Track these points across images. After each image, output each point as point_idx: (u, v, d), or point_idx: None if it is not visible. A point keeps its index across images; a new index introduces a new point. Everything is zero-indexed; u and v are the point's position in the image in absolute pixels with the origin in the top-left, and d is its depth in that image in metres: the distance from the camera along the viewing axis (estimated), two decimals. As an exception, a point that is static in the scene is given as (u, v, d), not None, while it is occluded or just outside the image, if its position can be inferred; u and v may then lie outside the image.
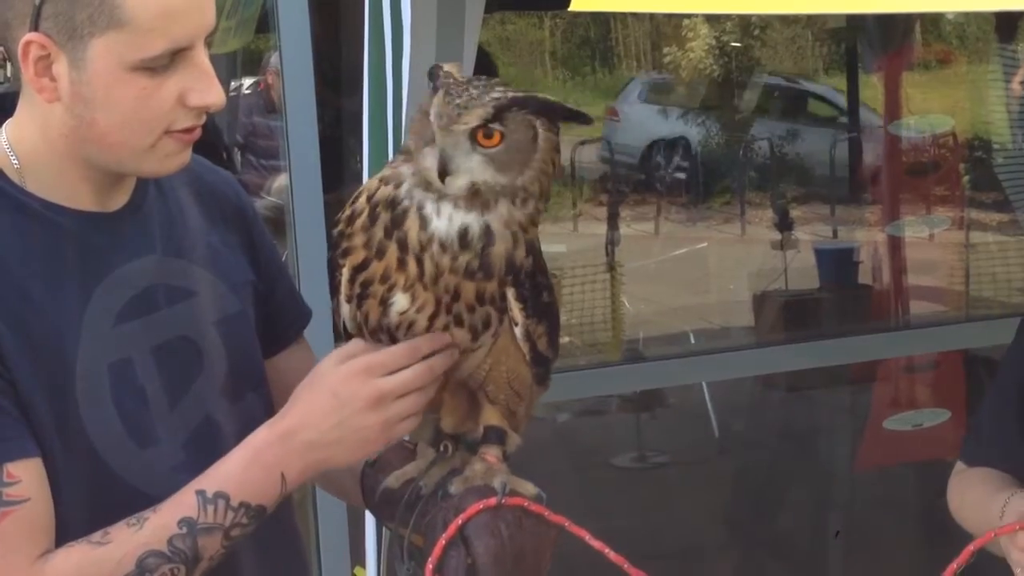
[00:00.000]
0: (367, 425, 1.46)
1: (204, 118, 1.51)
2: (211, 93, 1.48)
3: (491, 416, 1.53)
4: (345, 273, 1.47)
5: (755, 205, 7.79)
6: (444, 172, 1.41)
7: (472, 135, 1.40)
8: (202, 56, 1.48)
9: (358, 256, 1.45)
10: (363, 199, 1.46)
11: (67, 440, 1.45)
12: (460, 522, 1.43)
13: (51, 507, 1.44)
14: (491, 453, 1.52)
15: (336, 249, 1.48)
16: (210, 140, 1.63)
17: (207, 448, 1.53)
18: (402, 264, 1.43)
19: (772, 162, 7.60)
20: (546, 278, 1.50)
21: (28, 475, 1.42)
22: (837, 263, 5.58)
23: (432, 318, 1.45)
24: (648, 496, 5.19)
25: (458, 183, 1.41)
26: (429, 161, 1.42)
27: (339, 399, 1.46)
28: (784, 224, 6.12)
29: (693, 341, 5.72)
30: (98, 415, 1.47)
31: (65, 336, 1.46)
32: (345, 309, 1.50)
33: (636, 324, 5.78)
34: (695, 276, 7.05)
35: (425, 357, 1.46)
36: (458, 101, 1.40)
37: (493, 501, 1.45)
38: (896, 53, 4.92)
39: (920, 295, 4.99)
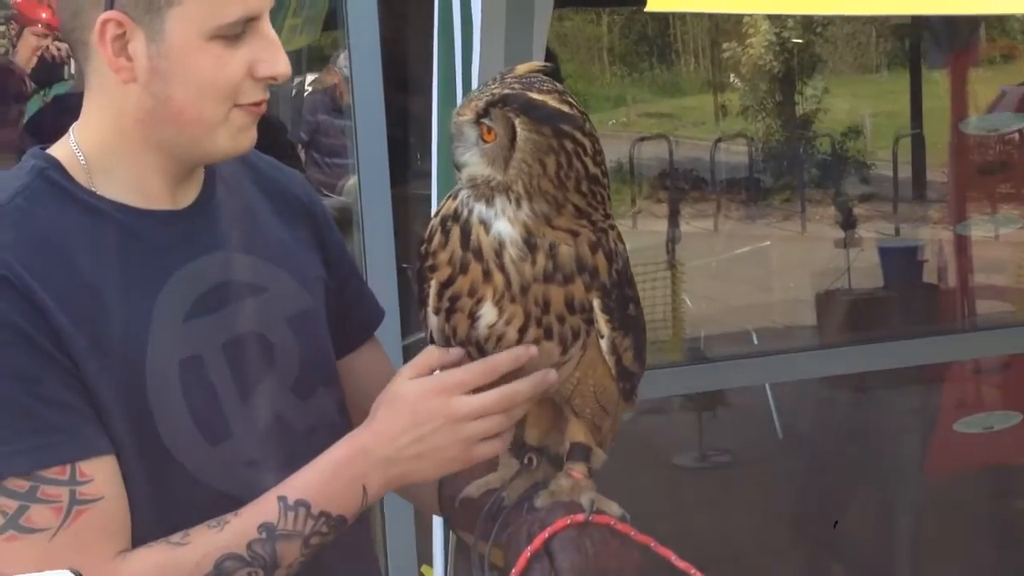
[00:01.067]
0: (446, 444, 1.45)
1: (268, 93, 1.52)
2: (279, 63, 1.49)
3: (577, 432, 1.51)
4: (433, 287, 1.46)
5: (815, 202, 7.72)
6: (457, 165, 1.44)
7: (480, 131, 1.42)
8: (269, 27, 1.49)
9: (444, 272, 1.45)
10: (437, 217, 1.47)
11: (139, 438, 1.45)
12: (547, 535, 1.42)
13: (126, 505, 1.44)
14: (577, 469, 1.50)
15: (423, 263, 1.47)
16: (276, 138, 1.62)
17: (278, 443, 1.54)
18: (487, 276, 1.42)
19: (833, 159, 7.54)
20: (633, 291, 1.48)
21: (101, 473, 1.42)
22: (902, 262, 5.52)
23: (522, 330, 1.43)
24: (710, 496, 5.16)
25: (463, 176, 1.43)
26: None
27: (417, 417, 1.45)
28: (847, 222, 6.06)
29: (756, 340, 5.67)
30: (169, 413, 1.47)
31: (135, 335, 1.46)
32: (433, 321, 1.49)
33: (698, 322, 5.75)
34: (757, 274, 7.00)
35: (509, 376, 1.44)
36: (471, 95, 1.43)
37: (580, 517, 1.43)
38: (963, 50, 4.86)
39: (987, 295, 4.93)
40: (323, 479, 1.47)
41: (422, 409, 1.44)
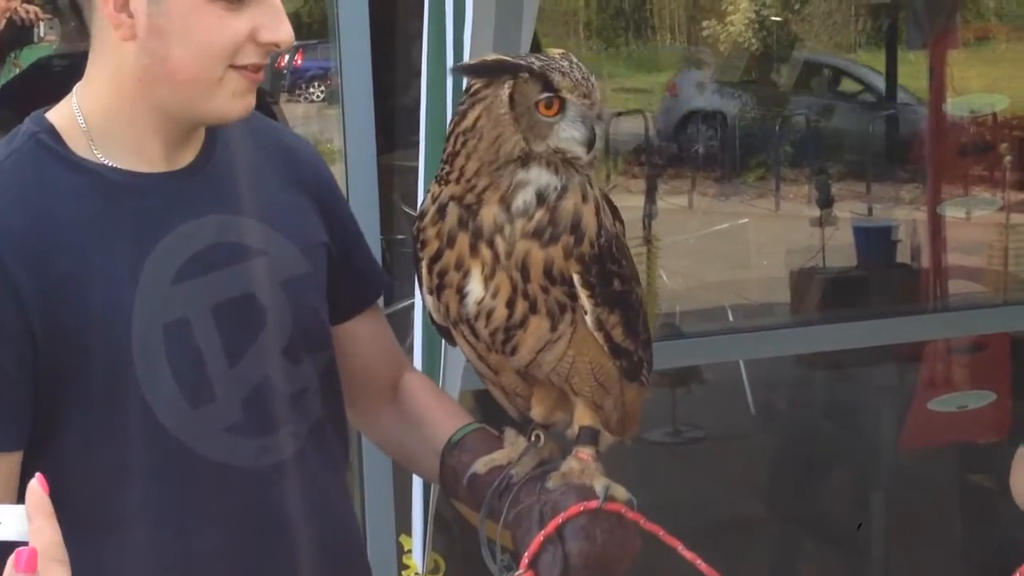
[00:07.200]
0: None
1: (267, 59, 1.52)
2: (281, 30, 1.49)
3: (584, 416, 1.53)
4: (424, 264, 1.48)
5: (790, 181, 7.75)
6: None
7: None
8: None
9: (432, 247, 1.47)
10: (428, 198, 1.48)
11: (123, 401, 1.46)
12: (560, 521, 1.44)
13: None
14: (585, 452, 1.52)
15: (415, 242, 1.49)
16: (259, 102, 1.62)
17: (263, 408, 1.54)
18: (474, 250, 1.44)
19: (809, 138, 7.56)
20: (618, 266, 1.48)
21: None
22: (876, 242, 5.54)
23: (509, 304, 1.44)
24: (682, 471, 5.18)
25: None
26: None
27: None
28: (823, 201, 6.08)
29: (731, 317, 5.70)
30: (152, 376, 1.47)
31: (120, 297, 1.47)
32: (428, 301, 1.52)
33: (673, 298, 5.77)
34: (732, 251, 7.02)
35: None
36: None
37: (594, 504, 1.45)
38: (944, 31, 4.87)
39: (959, 275, 4.96)
40: None
41: None
